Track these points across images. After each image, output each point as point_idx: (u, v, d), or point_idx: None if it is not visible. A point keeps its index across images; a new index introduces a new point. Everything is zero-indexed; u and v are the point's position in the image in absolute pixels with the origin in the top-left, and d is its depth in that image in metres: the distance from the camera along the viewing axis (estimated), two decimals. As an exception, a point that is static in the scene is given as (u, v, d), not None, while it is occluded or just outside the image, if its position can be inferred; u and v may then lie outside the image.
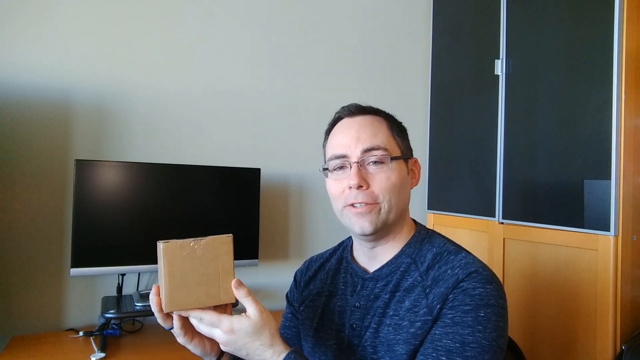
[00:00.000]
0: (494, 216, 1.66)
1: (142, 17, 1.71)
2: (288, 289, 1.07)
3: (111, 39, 1.66)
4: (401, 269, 0.85)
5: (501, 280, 1.60)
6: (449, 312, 0.76)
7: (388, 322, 0.82)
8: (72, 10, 1.61)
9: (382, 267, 0.87)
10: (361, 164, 0.83)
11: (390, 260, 0.87)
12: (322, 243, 1.95)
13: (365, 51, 2.08)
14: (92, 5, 1.64)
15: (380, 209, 0.83)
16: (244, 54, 1.87)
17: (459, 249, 0.86)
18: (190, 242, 0.74)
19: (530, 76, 1.57)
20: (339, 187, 0.85)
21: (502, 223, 1.64)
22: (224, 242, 0.77)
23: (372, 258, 0.90)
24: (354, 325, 0.86)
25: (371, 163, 0.84)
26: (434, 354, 0.73)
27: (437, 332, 0.75)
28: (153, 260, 1.56)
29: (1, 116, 1.51)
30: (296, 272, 1.06)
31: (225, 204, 1.67)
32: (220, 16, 1.83)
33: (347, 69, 2.04)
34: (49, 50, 1.58)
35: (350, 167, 0.84)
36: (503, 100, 1.65)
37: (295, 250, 1.95)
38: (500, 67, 1.66)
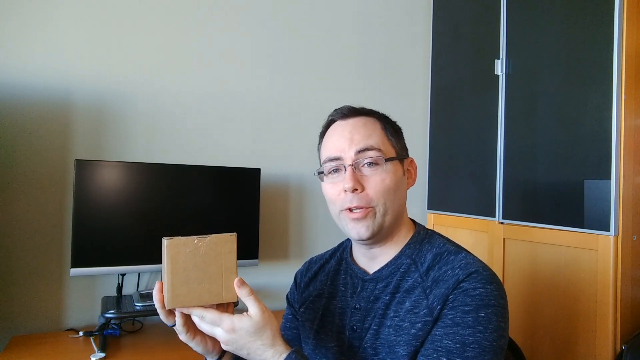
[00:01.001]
0: (494, 216, 1.66)
1: (142, 17, 1.71)
2: (288, 289, 1.07)
3: (111, 39, 1.66)
4: (401, 269, 0.85)
5: (501, 280, 1.60)
6: (450, 312, 0.75)
7: (388, 324, 0.81)
8: (72, 10, 1.61)
9: (382, 268, 0.87)
10: (355, 167, 0.83)
11: (390, 262, 0.87)
12: (322, 243, 1.95)
13: (365, 51, 2.08)
14: (92, 5, 1.64)
15: (375, 213, 0.82)
16: (245, 54, 1.87)
17: (459, 249, 0.85)
18: (194, 239, 0.74)
19: (530, 76, 1.57)
20: (335, 191, 0.85)
21: (502, 223, 1.64)
22: (227, 241, 0.77)
23: (371, 259, 0.90)
24: (355, 327, 0.86)
25: (366, 165, 0.83)
26: (434, 355, 0.73)
27: (437, 332, 0.75)
28: (153, 260, 1.56)
29: (1, 116, 1.51)
30: (296, 273, 1.05)
31: (225, 204, 1.67)
32: (221, 16, 1.83)
33: (347, 69, 2.04)
34: (49, 50, 1.58)
35: (345, 170, 0.83)
36: (503, 100, 1.65)
37: (295, 250, 1.95)
38: (500, 67, 1.66)
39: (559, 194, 1.45)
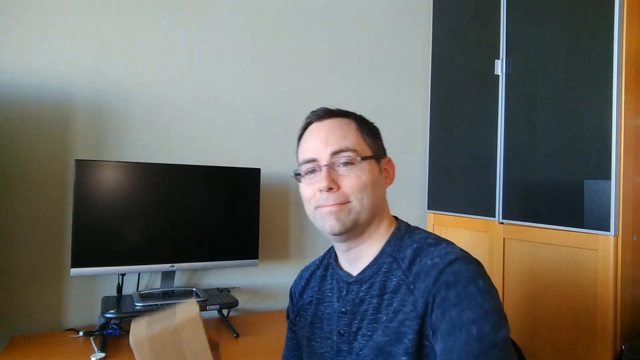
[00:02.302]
0: (494, 216, 1.66)
1: (142, 17, 1.71)
2: (288, 289, 1.06)
3: (111, 38, 1.66)
4: (383, 269, 0.84)
5: (501, 280, 1.60)
6: (447, 292, 0.73)
7: (377, 326, 0.80)
8: (72, 10, 1.61)
9: (365, 269, 0.86)
10: (331, 167, 0.83)
11: (372, 262, 0.86)
12: (322, 243, 1.95)
13: (365, 51, 2.08)
14: (92, 5, 1.64)
15: (350, 209, 0.82)
16: (245, 53, 1.87)
17: (440, 240, 0.83)
18: (159, 331, 0.68)
19: (530, 76, 1.57)
20: (311, 191, 0.85)
21: (502, 223, 1.64)
22: (191, 321, 0.69)
23: (353, 261, 0.89)
24: (342, 332, 0.85)
25: (341, 165, 0.83)
26: (461, 332, 0.69)
27: (449, 316, 0.71)
28: (153, 260, 1.55)
29: (1, 116, 1.51)
30: (290, 288, 1.05)
31: (225, 204, 1.67)
32: (221, 16, 1.83)
33: (347, 70, 2.04)
34: (49, 50, 1.58)
35: (321, 170, 0.83)
36: (503, 101, 1.65)
37: (295, 250, 1.95)
38: (500, 67, 1.66)
39: (559, 194, 1.45)
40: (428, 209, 2.02)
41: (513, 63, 1.63)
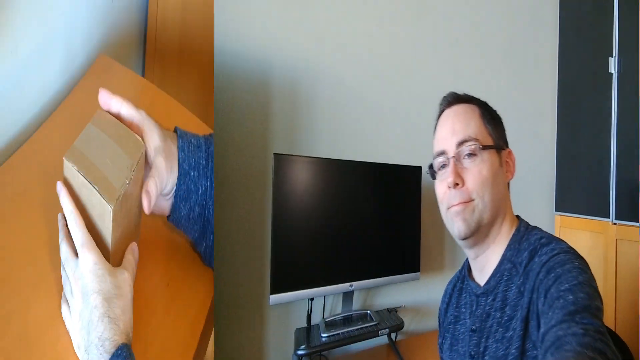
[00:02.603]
0: (608, 217, 1.65)
1: (347, 9, 1.58)
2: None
3: (312, 22, 1.51)
4: (505, 277, 0.75)
5: (613, 282, 1.64)
6: (547, 277, 0.67)
7: (500, 338, 0.73)
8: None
9: (490, 278, 0.78)
10: (457, 158, 0.77)
11: (495, 270, 0.77)
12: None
13: (500, 42, 1.98)
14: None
15: (474, 208, 0.75)
16: (421, 43, 1.74)
17: (551, 239, 0.75)
18: None
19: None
20: (442, 188, 0.78)
21: (614, 224, 1.63)
22: None
23: (481, 270, 0.81)
24: (472, 353, 0.77)
25: (466, 157, 0.76)
26: (558, 301, 0.62)
27: (549, 295, 0.65)
28: (335, 279, 1.32)
29: (223, 81, 1.28)
30: (439, 310, 0.96)
31: (388, 208, 1.46)
32: (406, 14, 1.71)
33: (489, 61, 1.95)
34: (250, 30, 1.39)
35: (449, 164, 0.77)
36: (616, 99, 1.63)
37: (450, 260, 1.75)
38: (613, 65, 1.65)
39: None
40: (555, 210, 1.93)
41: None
